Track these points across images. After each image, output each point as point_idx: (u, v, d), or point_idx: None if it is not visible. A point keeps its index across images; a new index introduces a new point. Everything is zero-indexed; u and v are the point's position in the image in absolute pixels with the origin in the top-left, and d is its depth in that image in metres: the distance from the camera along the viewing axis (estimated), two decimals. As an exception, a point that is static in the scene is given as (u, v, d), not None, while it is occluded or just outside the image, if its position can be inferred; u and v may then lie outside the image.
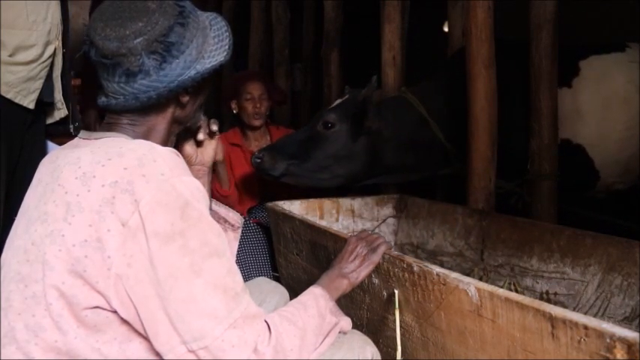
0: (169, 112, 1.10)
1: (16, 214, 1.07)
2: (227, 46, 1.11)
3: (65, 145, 1.10)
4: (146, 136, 1.07)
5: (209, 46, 1.08)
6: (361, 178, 2.41)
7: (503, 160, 2.28)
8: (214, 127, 1.29)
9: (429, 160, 2.46)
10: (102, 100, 1.07)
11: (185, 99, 1.10)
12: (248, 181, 2.65)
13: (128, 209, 0.91)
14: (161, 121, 1.10)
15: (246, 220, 2.61)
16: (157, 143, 1.05)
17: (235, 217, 1.31)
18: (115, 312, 0.94)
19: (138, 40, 0.99)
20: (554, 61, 2.28)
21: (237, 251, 2.43)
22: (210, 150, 1.32)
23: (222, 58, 1.09)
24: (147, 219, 0.91)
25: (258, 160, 2.29)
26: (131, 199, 0.91)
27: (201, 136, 1.27)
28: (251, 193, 2.66)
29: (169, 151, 1.00)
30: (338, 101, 2.44)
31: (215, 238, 0.97)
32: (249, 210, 2.69)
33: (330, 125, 2.29)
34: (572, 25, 2.73)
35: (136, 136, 1.06)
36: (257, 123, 2.67)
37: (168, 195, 0.93)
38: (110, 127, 1.07)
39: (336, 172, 2.33)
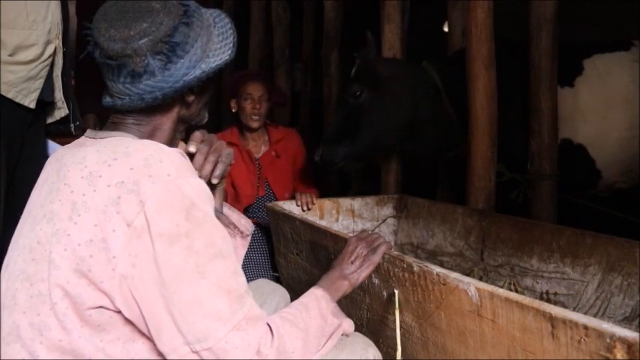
0: (175, 112, 1.10)
1: (15, 213, 1.07)
2: (232, 44, 1.10)
3: (71, 144, 1.10)
4: (151, 136, 1.07)
5: (214, 44, 1.08)
6: (406, 135, 2.45)
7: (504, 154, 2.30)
8: (192, 149, 1.16)
9: (440, 132, 2.49)
10: (107, 100, 1.07)
11: (190, 98, 1.10)
12: (244, 179, 2.64)
13: (134, 209, 0.91)
14: (166, 121, 1.10)
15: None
16: (163, 142, 1.05)
17: (247, 225, 1.29)
18: (119, 312, 0.94)
19: (143, 40, 0.99)
20: (554, 61, 2.28)
21: (238, 251, 2.45)
22: None
23: (227, 57, 1.08)
24: (152, 220, 0.91)
25: (319, 157, 2.36)
26: (137, 200, 0.91)
27: (192, 148, 1.16)
28: (248, 192, 2.66)
29: (176, 152, 1.00)
30: (354, 69, 2.48)
31: (220, 239, 0.97)
32: (246, 209, 2.69)
33: (359, 94, 2.35)
34: (572, 24, 2.73)
35: (141, 136, 1.06)
36: (255, 125, 2.65)
37: (174, 196, 0.93)
38: (115, 127, 1.07)
39: (385, 133, 2.39)
